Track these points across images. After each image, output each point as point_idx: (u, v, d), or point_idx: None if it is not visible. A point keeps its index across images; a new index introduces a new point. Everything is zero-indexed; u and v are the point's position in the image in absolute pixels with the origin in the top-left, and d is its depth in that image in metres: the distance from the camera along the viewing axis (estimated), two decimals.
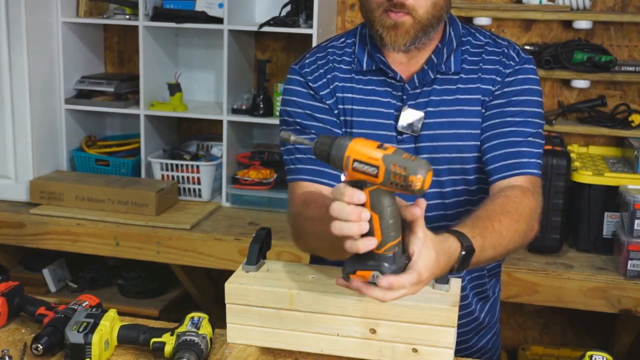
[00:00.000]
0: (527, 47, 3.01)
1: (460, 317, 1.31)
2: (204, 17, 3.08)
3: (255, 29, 3.02)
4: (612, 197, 2.60)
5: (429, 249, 1.12)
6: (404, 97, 1.51)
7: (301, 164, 1.52)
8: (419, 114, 1.49)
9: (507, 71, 1.50)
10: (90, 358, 1.27)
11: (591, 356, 1.23)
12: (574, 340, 3.23)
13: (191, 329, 1.30)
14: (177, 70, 3.32)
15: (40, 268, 3.21)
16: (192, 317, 1.33)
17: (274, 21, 3.00)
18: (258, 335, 1.33)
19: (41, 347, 1.31)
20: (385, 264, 1.10)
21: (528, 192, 1.41)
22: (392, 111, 1.50)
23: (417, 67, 1.51)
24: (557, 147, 2.65)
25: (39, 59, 3.05)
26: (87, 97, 3.24)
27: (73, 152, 3.27)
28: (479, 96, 1.50)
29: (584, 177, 2.64)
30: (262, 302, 1.31)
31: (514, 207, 1.35)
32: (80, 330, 1.27)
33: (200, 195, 3.14)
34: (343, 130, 1.54)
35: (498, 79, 1.50)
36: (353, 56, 1.55)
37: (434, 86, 1.50)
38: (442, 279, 1.28)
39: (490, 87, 1.50)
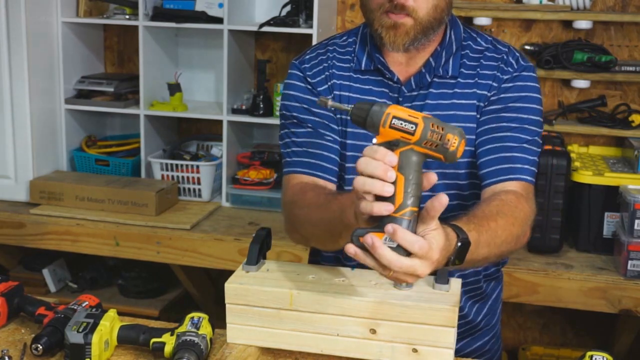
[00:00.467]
0: (527, 47, 3.01)
1: None
2: (204, 17, 3.08)
3: (255, 29, 3.02)
4: (612, 197, 2.59)
5: (440, 234, 1.12)
6: (400, 99, 1.51)
7: (298, 157, 1.53)
8: None
9: (505, 77, 1.49)
10: (90, 358, 1.27)
11: (591, 356, 1.23)
12: (574, 341, 3.23)
13: (191, 329, 1.30)
14: (177, 70, 3.32)
15: (40, 268, 3.20)
16: (192, 317, 1.33)
17: (274, 21, 3.00)
18: (258, 336, 1.32)
19: (41, 347, 1.31)
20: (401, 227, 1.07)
21: (522, 198, 1.40)
22: None
23: (415, 68, 1.51)
24: (557, 147, 2.65)
25: (38, 59, 3.05)
26: (87, 97, 3.24)
27: (73, 152, 3.27)
28: (475, 101, 1.49)
29: (584, 177, 2.64)
30: (262, 302, 1.30)
31: (509, 210, 1.35)
32: (80, 330, 1.27)
33: (200, 196, 3.14)
34: (338, 128, 1.54)
35: (494, 84, 1.49)
36: (353, 55, 1.55)
37: (431, 90, 1.50)
38: (442, 279, 1.28)
39: (486, 93, 1.49)
